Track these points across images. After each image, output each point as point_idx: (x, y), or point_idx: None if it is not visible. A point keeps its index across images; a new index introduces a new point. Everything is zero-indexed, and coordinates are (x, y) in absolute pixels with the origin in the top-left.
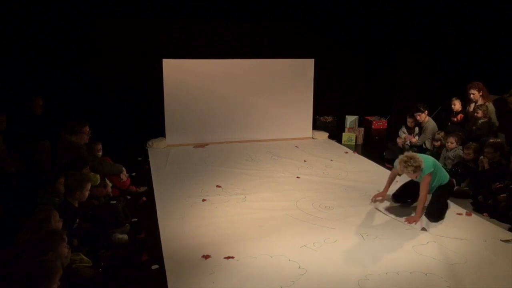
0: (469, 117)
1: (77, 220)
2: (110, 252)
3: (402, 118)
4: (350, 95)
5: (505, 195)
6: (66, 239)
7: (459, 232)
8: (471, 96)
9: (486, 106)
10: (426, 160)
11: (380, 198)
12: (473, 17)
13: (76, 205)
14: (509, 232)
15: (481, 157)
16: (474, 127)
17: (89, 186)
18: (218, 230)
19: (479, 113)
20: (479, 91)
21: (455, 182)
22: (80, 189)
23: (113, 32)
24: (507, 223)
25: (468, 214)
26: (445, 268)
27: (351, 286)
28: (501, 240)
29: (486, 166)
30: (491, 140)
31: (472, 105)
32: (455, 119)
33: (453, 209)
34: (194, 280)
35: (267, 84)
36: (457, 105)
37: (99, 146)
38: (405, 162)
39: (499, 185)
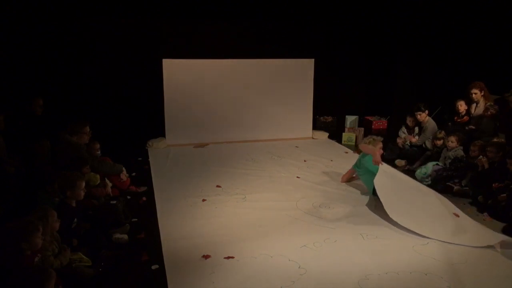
0: (473, 118)
1: (75, 219)
2: (110, 252)
3: (402, 118)
4: (350, 95)
5: (505, 195)
6: (41, 229)
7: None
8: (473, 95)
9: (497, 106)
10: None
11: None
12: (473, 17)
13: (74, 204)
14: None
15: (480, 156)
16: (472, 126)
17: (82, 184)
18: (218, 230)
19: (493, 111)
20: (480, 91)
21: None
22: (71, 189)
23: (113, 32)
24: (507, 223)
25: (456, 214)
26: (445, 268)
27: (351, 286)
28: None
29: (486, 165)
30: (495, 140)
31: (474, 106)
32: (459, 120)
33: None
34: (194, 280)
35: (267, 84)
36: (463, 106)
37: (97, 146)
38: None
39: (499, 185)
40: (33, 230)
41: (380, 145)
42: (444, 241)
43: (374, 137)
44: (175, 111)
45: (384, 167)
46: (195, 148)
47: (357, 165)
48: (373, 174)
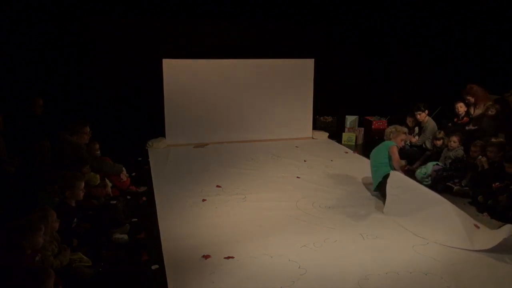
0: (473, 118)
1: (75, 219)
2: (110, 252)
3: (402, 118)
4: (350, 95)
5: (505, 195)
6: (43, 229)
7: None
8: (466, 101)
9: (498, 105)
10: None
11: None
12: (473, 17)
13: (74, 204)
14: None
15: (479, 156)
16: (472, 127)
17: (81, 185)
18: (218, 230)
19: (493, 111)
20: (472, 96)
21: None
22: (71, 189)
23: (113, 32)
24: (507, 223)
25: (476, 226)
26: (445, 268)
27: (351, 286)
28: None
29: (486, 165)
30: (494, 140)
31: (473, 107)
32: (459, 122)
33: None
34: (194, 280)
35: (267, 84)
36: (462, 107)
37: (97, 146)
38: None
39: (499, 185)
40: (35, 229)
41: (402, 136)
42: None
43: (398, 127)
44: (175, 111)
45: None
46: (195, 148)
47: (375, 155)
48: (384, 169)
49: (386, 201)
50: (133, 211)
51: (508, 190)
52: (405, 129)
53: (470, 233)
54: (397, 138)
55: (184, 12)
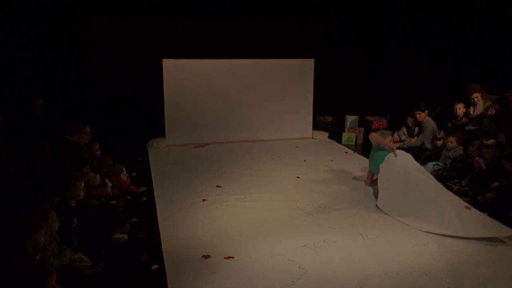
0: (472, 118)
1: (75, 219)
2: (110, 252)
3: (402, 118)
4: (350, 95)
5: (497, 184)
6: (44, 227)
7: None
8: (475, 99)
9: (497, 105)
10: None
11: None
12: (473, 17)
13: (74, 204)
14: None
15: (477, 157)
16: (472, 126)
17: (81, 185)
18: (218, 230)
19: (493, 111)
20: (479, 92)
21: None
22: (70, 189)
23: (113, 32)
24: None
25: (467, 207)
26: (445, 268)
27: (351, 286)
28: (504, 237)
29: (484, 166)
30: (489, 141)
31: (472, 107)
32: (458, 122)
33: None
34: (194, 280)
35: (267, 84)
36: (461, 109)
37: (97, 146)
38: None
39: (498, 185)
40: (35, 227)
41: (390, 137)
42: (453, 236)
43: (383, 130)
44: (175, 111)
45: (393, 158)
46: (195, 148)
47: (370, 157)
48: (379, 163)
49: (379, 195)
50: (133, 211)
51: (508, 190)
52: (390, 132)
53: (462, 219)
54: (386, 139)
55: (184, 12)
